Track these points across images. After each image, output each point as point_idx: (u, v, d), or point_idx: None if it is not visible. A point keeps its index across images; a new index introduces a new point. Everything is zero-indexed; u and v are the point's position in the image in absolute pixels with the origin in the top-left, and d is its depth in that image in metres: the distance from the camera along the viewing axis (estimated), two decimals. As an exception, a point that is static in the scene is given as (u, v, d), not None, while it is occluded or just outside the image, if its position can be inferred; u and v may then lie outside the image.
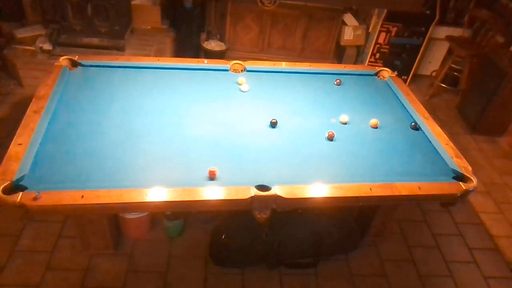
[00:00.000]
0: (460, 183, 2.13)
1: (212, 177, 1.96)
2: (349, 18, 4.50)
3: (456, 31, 4.47)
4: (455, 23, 4.53)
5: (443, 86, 4.56)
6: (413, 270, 2.65)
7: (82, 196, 1.77)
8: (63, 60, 2.69)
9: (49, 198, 1.75)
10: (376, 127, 2.52)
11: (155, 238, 2.60)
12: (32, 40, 3.81)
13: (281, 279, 2.47)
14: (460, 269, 2.70)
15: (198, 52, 4.47)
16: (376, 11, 4.34)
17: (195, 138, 2.26)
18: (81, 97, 2.46)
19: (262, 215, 1.89)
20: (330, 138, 2.31)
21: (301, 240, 2.47)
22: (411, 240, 2.86)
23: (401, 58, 4.54)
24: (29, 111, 2.20)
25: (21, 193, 1.73)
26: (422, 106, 2.72)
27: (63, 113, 2.31)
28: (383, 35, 4.39)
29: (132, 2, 4.14)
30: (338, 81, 2.88)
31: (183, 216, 2.60)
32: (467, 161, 2.28)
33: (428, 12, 4.23)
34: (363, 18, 4.63)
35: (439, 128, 2.52)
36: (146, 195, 1.84)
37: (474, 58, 4.24)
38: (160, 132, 2.28)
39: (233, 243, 2.38)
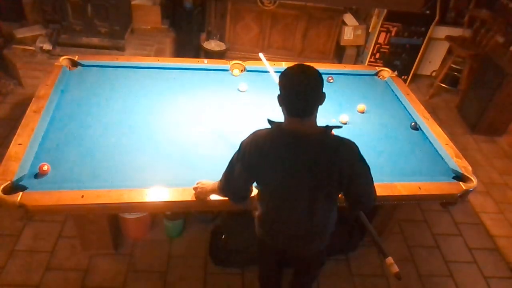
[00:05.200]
0: (460, 183, 2.13)
1: (42, 172, 1.86)
2: (349, 18, 4.50)
3: (456, 31, 4.47)
4: (455, 23, 4.53)
5: (443, 86, 4.56)
6: (413, 270, 2.65)
7: (82, 196, 1.77)
8: (63, 60, 2.69)
9: (49, 198, 1.75)
10: (363, 112, 2.59)
11: (155, 238, 2.60)
12: (32, 40, 3.81)
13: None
14: (460, 269, 2.70)
15: (198, 52, 4.47)
16: (376, 11, 4.34)
17: (195, 137, 2.27)
18: (81, 97, 2.46)
19: (262, 215, 1.89)
20: (330, 138, 2.31)
21: (301, 240, 2.46)
22: (411, 240, 2.86)
23: (401, 58, 4.54)
24: (29, 111, 2.21)
25: (21, 193, 1.74)
26: (422, 106, 2.72)
27: (63, 113, 2.31)
28: (383, 35, 4.39)
29: (132, 2, 4.14)
30: (330, 78, 2.89)
31: (183, 216, 2.60)
32: (467, 161, 2.28)
33: (428, 12, 4.23)
34: (363, 18, 4.63)
35: (439, 128, 2.53)
36: (146, 195, 1.84)
37: (474, 58, 4.24)
38: (160, 132, 2.28)
39: (233, 243, 2.38)
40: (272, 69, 2.36)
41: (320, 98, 1.37)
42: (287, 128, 1.40)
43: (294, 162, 1.40)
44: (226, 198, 1.67)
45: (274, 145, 1.40)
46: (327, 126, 1.43)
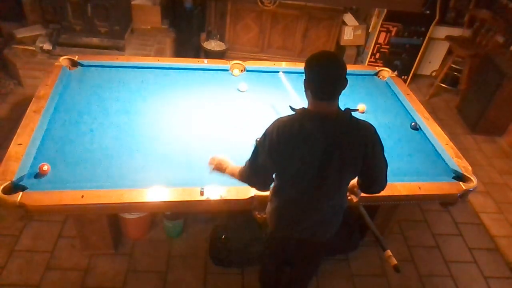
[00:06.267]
0: (460, 183, 2.13)
1: (42, 172, 1.88)
2: (349, 18, 4.50)
3: (456, 31, 4.47)
4: (455, 23, 4.52)
5: (443, 86, 4.56)
6: (413, 270, 2.65)
7: (82, 196, 1.77)
8: (63, 60, 2.69)
9: (49, 198, 1.75)
10: (363, 112, 2.62)
11: (155, 238, 2.60)
12: (32, 40, 3.81)
13: (281, 279, 2.47)
14: (460, 269, 2.70)
15: (198, 52, 4.47)
16: (376, 11, 4.34)
17: (195, 138, 2.27)
18: (81, 97, 2.46)
19: (262, 215, 1.89)
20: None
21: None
22: (411, 240, 2.86)
23: (401, 58, 4.54)
24: (29, 111, 2.21)
25: (21, 193, 1.74)
26: (422, 106, 2.72)
27: (63, 113, 2.31)
28: (383, 35, 4.39)
29: (132, 2, 4.14)
30: None
31: (183, 216, 2.60)
32: (467, 161, 2.28)
33: (428, 12, 4.23)
34: (363, 18, 4.62)
35: (439, 128, 2.53)
36: (146, 195, 1.84)
37: (474, 58, 4.24)
38: (160, 132, 2.28)
39: (233, 243, 2.38)
40: (292, 89, 2.45)
41: (344, 83, 1.44)
42: (315, 110, 1.45)
43: (324, 142, 1.44)
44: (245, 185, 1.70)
45: (303, 128, 1.44)
46: (347, 109, 1.49)
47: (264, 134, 1.51)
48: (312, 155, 1.46)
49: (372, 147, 1.50)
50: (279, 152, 1.48)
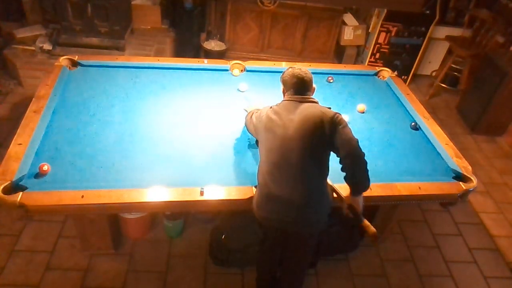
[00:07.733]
0: (460, 183, 2.13)
1: (42, 172, 1.88)
2: (349, 18, 4.50)
3: (456, 31, 4.47)
4: (455, 23, 4.52)
5: (443, 86, 4.56)
6: (413, 270, 2.65)
7: (82, 196, 1.77)
8: (63, 60, 2.69)
9: (49, 198, 1.75)
10: (363, 112, 2.63)
11: (155, 238, 2.60)
12: (32, 40, 3.81)
13: (281, 279, 2.47)
14: (460, 269, 2.70)
15: (198, 52, 4.47)
16: (376, 11, 4.34)
17: (195, 138, 2.27)
18: (81, 97, 2.46)
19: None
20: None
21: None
22: (411, 240, 2.86)
23: (401, 58, 4.54)
24: (29, 111, 2.21)
25: (21, 193, 1.74)
26: (422, 106, 2.72)
27: (63, 113, 2.31)
28: (383, 35, 4.39)
29: (132, 2, 4.14)
30: (330, 78, 2.91)
31: (183, 216, 2.60)
32: (467, 161, 2.28)
33: (428, 12, 4.23)
34: (363, 18, 4.62)
35: (439, 128, 2.53)
36: (146, 195, 1.84)
37: (474, 58, 4.24)
38: (160, 132, 2.28)
39: (233, 243, 2.38)
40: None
41: (312, 86, 1.91)
42: (292, 98, 1.88)
43: (291, 118, 1.77)
44: None
45: (280, 106, 1.87)
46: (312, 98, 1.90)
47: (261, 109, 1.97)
48: (282, 129, 1.76)
49: (332, 121, 1.74)
50: (263, 123, 1.85)
